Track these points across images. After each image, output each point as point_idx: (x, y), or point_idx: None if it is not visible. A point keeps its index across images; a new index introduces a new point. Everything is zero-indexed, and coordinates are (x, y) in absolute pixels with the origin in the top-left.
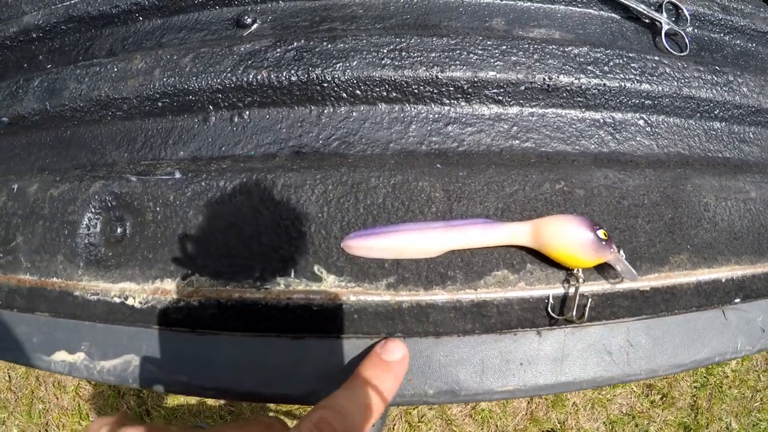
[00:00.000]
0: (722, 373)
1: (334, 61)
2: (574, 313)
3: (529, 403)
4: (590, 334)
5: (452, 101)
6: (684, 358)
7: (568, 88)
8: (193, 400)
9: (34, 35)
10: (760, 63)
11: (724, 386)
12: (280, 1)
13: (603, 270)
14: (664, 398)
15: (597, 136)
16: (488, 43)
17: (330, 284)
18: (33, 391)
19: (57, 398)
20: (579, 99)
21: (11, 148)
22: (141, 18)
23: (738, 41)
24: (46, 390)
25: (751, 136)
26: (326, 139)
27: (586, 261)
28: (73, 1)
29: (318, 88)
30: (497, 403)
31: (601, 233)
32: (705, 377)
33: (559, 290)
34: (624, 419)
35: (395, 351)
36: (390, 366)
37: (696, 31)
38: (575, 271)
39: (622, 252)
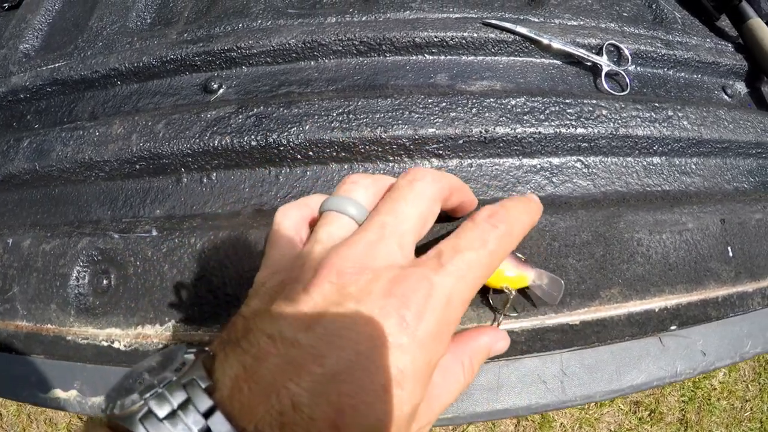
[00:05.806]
0: (710, 385)
1: (289, 126)
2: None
3: (516, 426)
4: (524, 365)
5: (396, 158)
6: (619, 384)
7: (505, 138)
8: None
9: (21, 96)
10: (705, 93)
11: (712, 398)
12: (243, 67)
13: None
14: (652, 414)
15: (534, 181)
16: (429, 101)
17: None
18: (25, 429)
19: None
20: (516, 147)
21: (4, 203)
22: (119, 82)
23: (682, 74)
24: (37, 427)
25: (693, 167)
26: (284, 197)
27: (509, 277)
28: (56, 65)
29: (275, 151)
30: (484, 426)
31: (518, 254)
32: (692, 391)
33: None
34: None
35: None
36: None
37: (638, 68)
38: (503, 287)
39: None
